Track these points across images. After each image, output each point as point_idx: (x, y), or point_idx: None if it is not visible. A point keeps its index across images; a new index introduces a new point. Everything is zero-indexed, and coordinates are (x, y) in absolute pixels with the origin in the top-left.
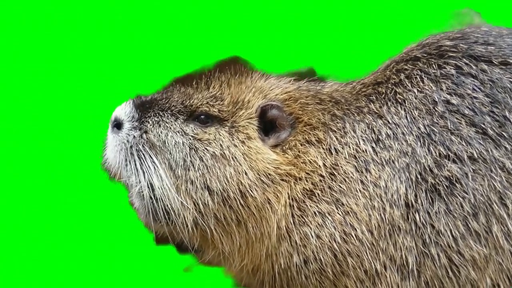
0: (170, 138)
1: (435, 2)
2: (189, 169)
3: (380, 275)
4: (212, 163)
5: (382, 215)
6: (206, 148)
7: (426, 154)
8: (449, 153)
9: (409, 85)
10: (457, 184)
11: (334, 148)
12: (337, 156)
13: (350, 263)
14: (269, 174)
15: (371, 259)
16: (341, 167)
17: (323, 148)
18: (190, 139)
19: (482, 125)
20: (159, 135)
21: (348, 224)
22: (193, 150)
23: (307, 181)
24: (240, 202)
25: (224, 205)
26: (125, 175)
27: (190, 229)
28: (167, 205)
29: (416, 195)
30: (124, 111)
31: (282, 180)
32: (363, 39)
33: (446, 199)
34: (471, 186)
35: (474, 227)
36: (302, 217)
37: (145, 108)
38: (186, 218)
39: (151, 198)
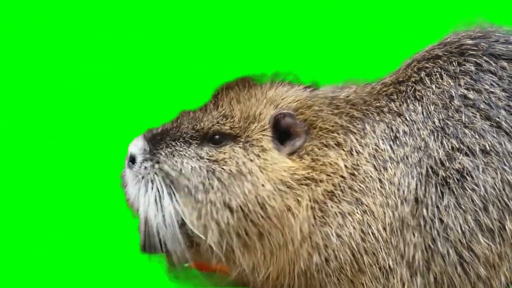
0: (186, 165)
1: (436, 3)
2: (208, 192)
3: (393, 271)
4: (230, 181)
5: (394, 211)
6: (222, 168)
7: (439, 148)
8: (462, 146)
9: (429, 82)
10: (467, 177)
11: (355, 150)
12: (358, 156)
13: (367, 261)
14: (286, 182)
15: (385, 256)
16: (361, 166)
17: (343, 150)
18: (206, 161)
19: (497, 119)
20: (175, 164)
21: (365, 223)
22: (210, 172)
23: (327, 182)
24: (260, 215)
25: (246, 220)
26: (143, 207)
27: (215, 250)
28: (189, 230)
29: (425, 190)
30: (135, 146)
31: (301, 184)
32: (364, 42)
33: (456, 192)
34: (482, 179)
35: (485, 221)
36: (323, 217)
37: (156, 141)
38: (210, 240)
39: (172, 225)
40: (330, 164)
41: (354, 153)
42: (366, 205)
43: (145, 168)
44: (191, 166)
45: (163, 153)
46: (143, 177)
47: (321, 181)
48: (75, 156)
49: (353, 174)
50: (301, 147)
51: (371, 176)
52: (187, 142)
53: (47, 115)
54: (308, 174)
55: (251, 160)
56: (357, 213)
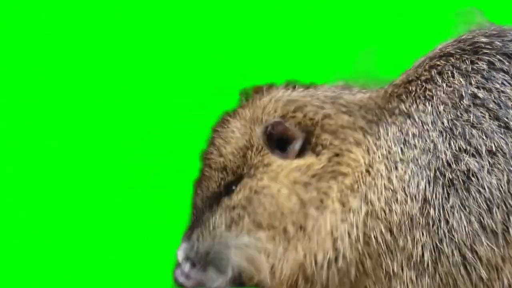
0: (218, 234)
1: (436, 2)
2: (241, 232)
3: (397, 275)
4: (251, 204)
5: (404, 207)
6: (239, 200)
7: (447, 149)
8: (468, 146)
9: (440, 80)
10: (473, 178)
11: (372, 149)
12: (373, 155)
13: (371, 265)
14: (300, 180)
15: (389, 260)
16: (375, 165)
17: (362, 149)
18: (226, 214)
19: (505, 119)
20: (211, 240)
21: (368, 224)
22: (234, 218)
23: (350, 176)
24: (277, 218)
25: (269, 230)
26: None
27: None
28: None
29: (433, 190)
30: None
31: (324, 178)
32: (364, 41)
33: (461, 194)
34: (487, 180)
35: (489, 223)
36: (343, 213)
37: (189, 234)
38: (265, 271)
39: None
40: (354, 160)
41: (371, 152)
42: (371, 203)
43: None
44: (221, 231)
45: (197, 239)
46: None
47: (347, 174)
48: (77, 157)
49: (368, 171)
50: (312, 143)
51: (381, 174)
52: (209, 214)
53: (49, 117)
54: (332, 168)
55: (261, 179)
56: (363, 211)
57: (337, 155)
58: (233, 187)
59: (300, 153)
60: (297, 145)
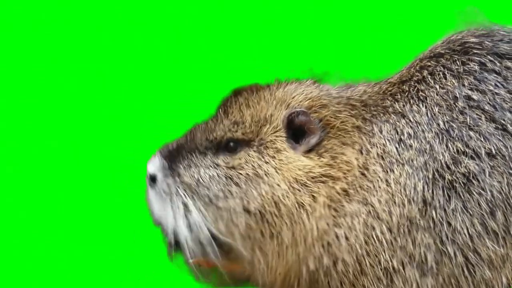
0: (204, 174)
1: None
2: (228, 198)
3: (398, 273)
4: (248, 185)
5: (402, 210)
6: (239, 173)
7: (444, 151)
8: (467, 149)
9: (432, 82)
10: (474, 181)
11: (365, 149)
12: (367, 156)
13: (368, 263)
14: (300, 180)
15: (388, 258)
16: (371, 166)
17: (356, 149)
18: (223, 169)
19: (502, 121)
20: (193, 175)
21: (369, 224)
22: (229, 179)
23: (343, 180)
24: (274, 214)
25: (262, 222)
26: (172, 222)
27: (244, 254)
28: (217, 239)
29: (433, 192)
30: (153, 165)
31: (317, 181)
32: (365, 40)
33: (463, 196)
34: (488, 183)
35: (491, 225)
36: (336, 217)
37: (173, 156)
38: (237, 245)
39: (201, 236)
40: (346, 162)
41: (364, 152)
42: (371, 205)
43: (167, 184)
44: (209, 175)
45: (181, 166)
46: (166, 194)
47: (338, 179)
48: (77, 158)
49: (363, 174)
50: (320, 145)
51: (379, 177)
52: (203, 153)
53: (50, 117)
54: (325, 171)
55: (267, 162)
56: (363, 213)
57: (332, 158)
58: (234, 146)
59: (308, 151)
60: (313, 140)
